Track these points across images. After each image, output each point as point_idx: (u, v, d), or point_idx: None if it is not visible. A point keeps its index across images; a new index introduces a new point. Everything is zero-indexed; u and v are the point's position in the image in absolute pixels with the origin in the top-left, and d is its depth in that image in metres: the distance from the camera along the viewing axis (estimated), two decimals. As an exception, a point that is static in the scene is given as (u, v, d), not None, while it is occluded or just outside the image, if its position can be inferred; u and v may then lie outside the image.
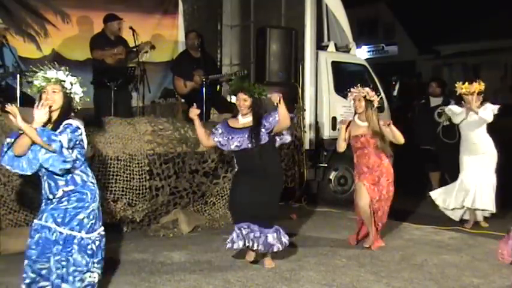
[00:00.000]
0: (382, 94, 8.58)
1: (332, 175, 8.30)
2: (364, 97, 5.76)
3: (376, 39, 27.74)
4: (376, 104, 5.83)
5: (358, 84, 5.92)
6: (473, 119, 6.68)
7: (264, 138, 5.03)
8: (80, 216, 3.85)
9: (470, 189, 6.73)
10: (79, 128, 3.81)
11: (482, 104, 6.66)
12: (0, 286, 4.53)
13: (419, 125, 8.97)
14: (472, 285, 4.72)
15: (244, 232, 5.05)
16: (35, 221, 3.90)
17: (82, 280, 3.88)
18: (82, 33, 8.13)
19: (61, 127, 3.77)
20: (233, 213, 5.24)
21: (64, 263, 3.82)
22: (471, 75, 23.16)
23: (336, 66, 8.27)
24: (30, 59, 7.45)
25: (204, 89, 7.49)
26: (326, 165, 8.21)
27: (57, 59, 7.65)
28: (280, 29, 7.94)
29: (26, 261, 3.85)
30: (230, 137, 5.10)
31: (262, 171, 5.02)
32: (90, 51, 7.53)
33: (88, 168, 3.98)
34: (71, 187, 3.85)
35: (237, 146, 5.06)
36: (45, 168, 3.76)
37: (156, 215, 6.54)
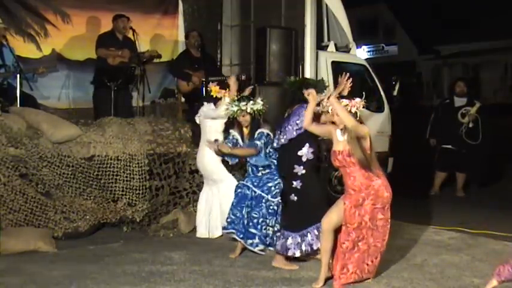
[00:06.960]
0: (382, 94, 8.60)
1: (332, 175, 8.30)
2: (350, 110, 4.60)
3: (376, 39, 27.69)
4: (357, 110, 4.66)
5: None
6: None
7: None
8: (269, 184, 5.40)
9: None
10: (269, 134, 5.40)
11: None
12: (0, 286, 4.52)
13: (442, 124, 9.00)
14: (472, 285, 4.71)
15: (314, 235, 5.07)
16: (240, 181, 5.66)
17: (264, 229, 5.35)
18: (82, 33, 8.13)
19: (256, 135, 5.41)
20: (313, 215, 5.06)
21: (255, 215, 5.37)
22: (471, 75, 23.20)
23: (336, 66, 8.26)
24: (30, 59, 7.46)
25: (204, 89, 7.50)
26: (326, 165, 8.20)
27: (57, 59, 7.74)
28: (280, 29, 7.93)
29: (230, 206, 5.57)
30: None
31: None
32: (95, 49, 7.56)
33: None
34: (267, 170, 5.46)
35: None
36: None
37: (156, 215, 6.53)
